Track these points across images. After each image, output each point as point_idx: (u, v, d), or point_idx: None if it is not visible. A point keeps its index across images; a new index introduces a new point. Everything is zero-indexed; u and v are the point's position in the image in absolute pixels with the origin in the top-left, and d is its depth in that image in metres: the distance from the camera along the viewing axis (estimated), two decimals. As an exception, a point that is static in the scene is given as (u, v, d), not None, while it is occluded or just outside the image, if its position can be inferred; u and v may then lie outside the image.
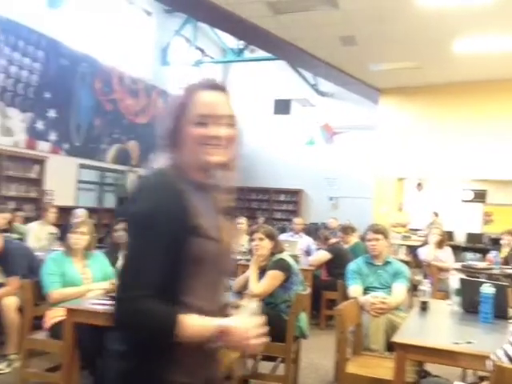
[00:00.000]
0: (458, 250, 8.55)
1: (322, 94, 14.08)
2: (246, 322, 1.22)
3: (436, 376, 3.69)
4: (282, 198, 14.43)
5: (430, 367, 3.62)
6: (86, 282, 3.43)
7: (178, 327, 1.15)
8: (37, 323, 3.37)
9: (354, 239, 6.07)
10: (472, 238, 9.96)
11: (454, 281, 3.36)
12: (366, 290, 3.60)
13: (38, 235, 5.92)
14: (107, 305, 2.90)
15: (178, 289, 1.23)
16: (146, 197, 1.23)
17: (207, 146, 1.26)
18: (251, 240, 3.63)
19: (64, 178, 9.16)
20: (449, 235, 7.61)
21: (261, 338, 1.22)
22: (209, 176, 1.34)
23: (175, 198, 1.22)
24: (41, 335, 3.28)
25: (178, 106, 1.30)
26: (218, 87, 1.33)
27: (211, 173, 1.34)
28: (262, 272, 3.49)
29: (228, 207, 1.41)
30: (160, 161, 1.32)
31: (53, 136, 8.98)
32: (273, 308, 3.41)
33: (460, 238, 9.97)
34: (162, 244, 1.19)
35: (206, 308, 1.25)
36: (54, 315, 3.24)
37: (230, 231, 1.37)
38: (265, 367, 3.49)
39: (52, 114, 8.94)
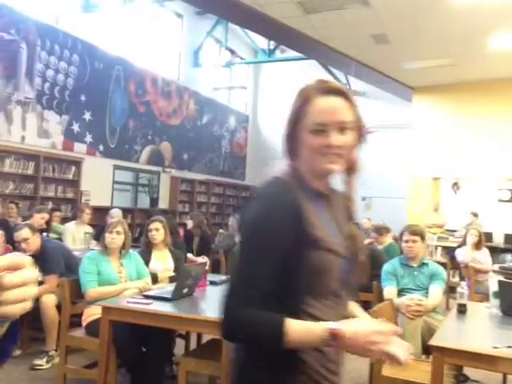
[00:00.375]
0: (496, 251, 8.32)
1: (353, 92, 13.93)
2: (367, 326, 1.15)
3: (475, 381, 3.61)
4: (314, 198, 14.33)
5: (469, 371, 3.53)
6: (122, 280, 3.49)
7: (285, 334, 1.11)
8: (75, 321, 3.45)
9: (388, 240, 5.98)
10: (510, 238, 9.68)
11: (493, 283, 3.28)
12: (402, 292, 3.55)
13: (74, 235, 6.06)
14: (141, 303, 2.95)
15: (295, 301, 1.19)
16: (260, 206, 1.21)
17: (326, 155, 1.22)
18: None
19: (99, 179, 9.35)
20: (487, 236, 7.42)
21: (387, 344, 1.12)
22: (328, 184, 1.30)
23: (290, 208, 1.18)
24: (78, 332, 3.35)
25: (294, 112, 1.27)
26: (337, 91, 1.26)
27: (330, 180, 1.30)
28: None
29: (351, 214, 1.35)
30: (278, 168, 1.29)
31: (88, 138, 9.17)
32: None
33: (498, 239, 9.70)
34: (274, 254, 1.16)
35: (323, 319, 1.19)
36: (91, 313, 3.31)
37: (356, 240, 1.30)
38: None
39: (87, 116, 9.13)
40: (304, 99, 1.26)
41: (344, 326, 1.11)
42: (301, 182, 1.25)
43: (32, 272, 0.69)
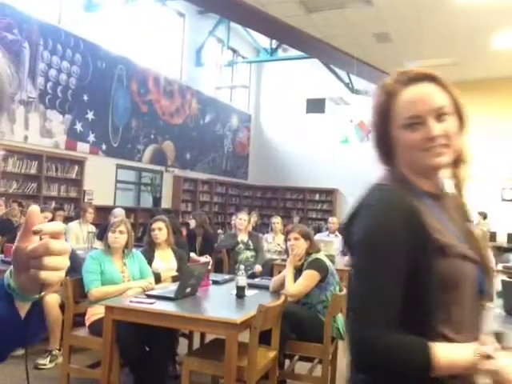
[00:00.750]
0: (499, 250, 8.30)
1: (356, 91, 13.92)
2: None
3: None
4: (317, 197, 14.35)
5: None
6: (125, 280, 3.49)
7: (433, 360, 0.98)
8: (78, 320, 3.45)
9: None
10: (514, 238, 9.67)
11: (496, 283, 3.27)
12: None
13: (77, 234, 6.07)
14: (145, 303, 2.95)
15: (425, 319, 1.05)
16: (372, 217, 1.08)
17: (430, 149, 1.09)
18: (287, 240, 3.63)
19: (102, 178, 9.36)
20: (490, 235, 7.40)
21: None
22: (437, 182, 1.17)
23: (407, 215, 1.06)
24: (82, 332, 3.36)
25: (379, 111, 1.16)
26: (422, 77, 1.14)
27: (439, 178, 1.16)
28: (298, 272, 3.47)
29: (466, 213, 1.21)
30: (377, 175, 1.17)
31: (91, 137, 9.18)
32: (309, 308, 3.39)
33: (501, 239, 9.68)
34: (397, 268, 1.04)
35: (461, 340, 1.06)
36: (95, 312, 3.31)
37: (479, 241, 1.15)
38: (302, 368, 3.48)
39: (90, 115, 9.14)
40: (388, 95, 1.14)
41: (495, 353, 0.99)
42: (408, 185, 1.12)
43: (67, 243, 0.72)
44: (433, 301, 1.05)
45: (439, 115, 1.10)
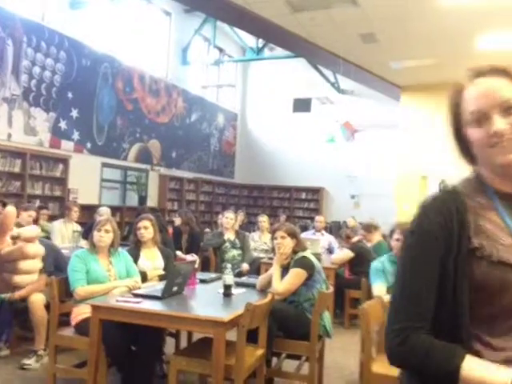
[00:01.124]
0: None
1: (342, 91, 13.99)
2: None
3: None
4: (304, 196, 14.40)
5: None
6: (111, 279, 3.47)
7: (461, 370, 0.96)
8: (64, 320, 3.42)
9: (376, 237, 6.02)
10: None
11: None
12: (390, 289, 3.57)
13: (62, 233, 6.02)
14: (131, 302, 2.94)
15: (460, 323, 1.03)
16: (415, 218, 1.11)
17: (497, 146, 1.05)
18: (273, 238, 3.63)
19: (87, 177, 9.29)
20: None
21: None
22: None
23: (447, 216, 1.06)
24: (68, 332, 3.33)
25: (451, 111, 1.15)
26: (491, 71, 1.10)
27: None
28: (285, 270, 3.48)
29: None
30: (465, 173, 1.17)
31: (76, 135, 9.10)
32: (296, 306, 3.40)
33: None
34: (432, 268, 1.05)
35: (497, 345, 1.03)
36: (81, 312, 3.28)
37: None
38: (289, 366, 3.49)
39: (75, 113, 9.06)
40: (457, 92, 1.13)
41: None
42: (477, 184, 1.11)
43: (40, 246, 0.73)
44: (464, 302, 1.03)
45: (506, 109, 1.05)
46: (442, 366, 0.99)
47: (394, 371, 2.88)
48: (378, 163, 13.05)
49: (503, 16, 6.82)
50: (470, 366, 0.97)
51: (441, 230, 1.05)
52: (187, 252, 6.23)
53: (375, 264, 3.79)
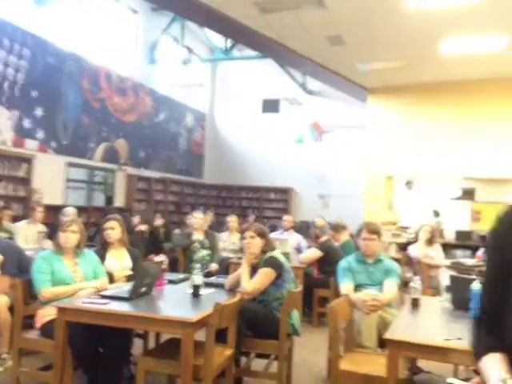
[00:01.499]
0: (447, 247, 8.60)
1: (310, 92, 14.11)
2: None
3: (428, 372, 3.72)
4: (272, 196, 14.46)
5: (421, 363, 3.65)
6: (77, 280, 3.41)
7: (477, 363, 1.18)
8: (28, 322, 3.34)
9: (344, 237, 6.10)
10: (461, 235, 10.03)
11: (444, 278, 3.39)
12: (358, 288, 3.62)
13: (26, 234, 5.88)
14: (98, 303, 2.89)
15: (504, 321, 1.18)
16: (494, 222, 1.25)
17: None
18: (242, 238, 3.64)
19: (52, 177, 9.09)
20: (440, 233, 7.67)
21: None
22: None
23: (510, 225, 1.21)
24: (32, 334, 3.25)
25: None
26: None
27: None
28: (254, 270, 3.49)
29: None
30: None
31: (40, 134, 8.90)
32: (265, 306, 3.42)
33: (450, 236, 10.04)
34: (494, 271, 1.24)
35: None
36: (45, 314, 3.21)
37: None
38: (258, 364, 3.50)
39: (39, 112, 8.85)
40: None
41: None
42: None
43: None
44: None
45: None
46: (475, 348, 1.24)
47: (361, 368, 2.93)
48: (346, 164, 13.21)
49: (465, 21, 7.01)
50: (484, 360, 1.18)
51: (505, 236, 1.20)
52: (148, 252, 6.15)
53: (342, 263, 3.83)
